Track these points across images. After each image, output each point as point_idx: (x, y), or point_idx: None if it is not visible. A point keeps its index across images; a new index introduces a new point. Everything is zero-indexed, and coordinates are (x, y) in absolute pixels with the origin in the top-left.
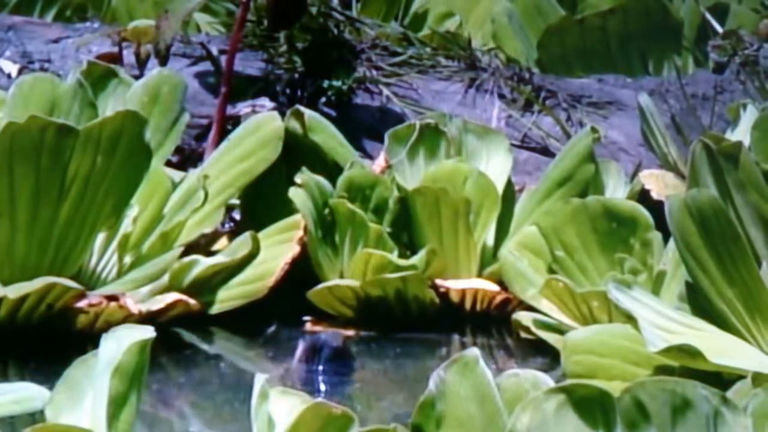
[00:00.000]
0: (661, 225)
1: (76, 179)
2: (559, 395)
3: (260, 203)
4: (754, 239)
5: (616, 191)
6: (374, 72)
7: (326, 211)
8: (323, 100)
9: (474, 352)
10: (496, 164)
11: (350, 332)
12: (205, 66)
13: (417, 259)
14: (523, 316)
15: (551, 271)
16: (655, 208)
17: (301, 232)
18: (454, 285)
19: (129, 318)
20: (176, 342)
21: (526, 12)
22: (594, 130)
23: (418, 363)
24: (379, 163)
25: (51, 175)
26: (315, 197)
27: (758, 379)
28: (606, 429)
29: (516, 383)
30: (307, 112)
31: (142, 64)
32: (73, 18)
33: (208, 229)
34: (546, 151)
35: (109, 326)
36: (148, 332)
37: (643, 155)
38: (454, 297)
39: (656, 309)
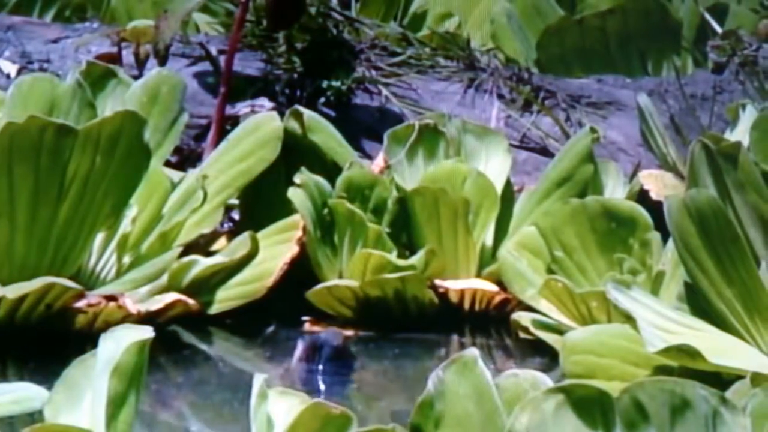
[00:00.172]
0: (660, 225)
1: (75, 179)
2: (558, 395)
3: (259, 203)
4: (753, 239)
5: (615, 191)
6: (373, 72)
7: (325, 211)
8: (322, 100)
9: (473, 352)
10: (495, 164)
11: (349, 332)
12: (204, 66)
13: (416, 259)
14: (522, 317)
15: (550, 271)
16: (654, 208)
17: (300, 233)
18: (453, 285)
19: (128, 318)
20: (175, 342)
21: (525, 12)
22: (593, 130)
23: (417, 363)
24: (378, 163)
25: (50, 175)
26: (314, 197)
27: (757, 379)
28: (605, 429)
29: (515, 383)
30: (306, 113)
31: (141, 64)
32: (72, 18)
33: (207, 229)
34: (545, 152)
35: (107, 326)
36: (147, 332)
37: (642, 155)
38: (453, 297)
39: (655, 309)
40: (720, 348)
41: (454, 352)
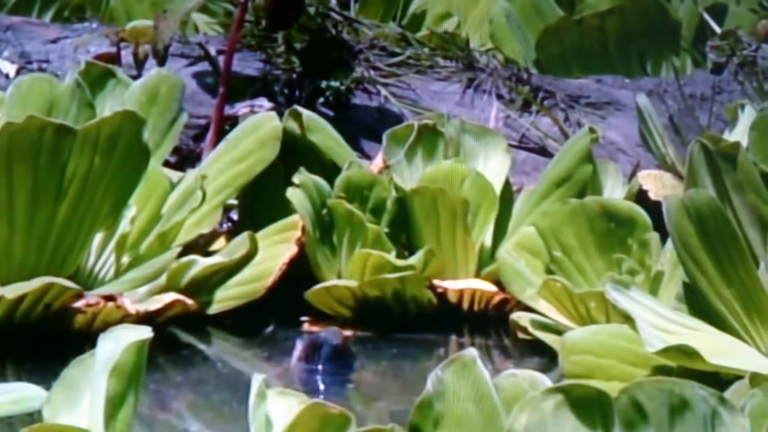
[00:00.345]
0: (659, 225)
1: (74, 179)
2: (557, 395)
3: (258, 203)
4: (751, 240)
5: (614, 192)
6: (372, 72)
7: (324, 211)
8: (321, 100)
9: (472, 352)
10: (494, 165)
11: (348, 332)
12: (203, 66)
13: (415, 259)
14: (520, 317)
15: (549, 271)
16: (653, 208)
17: (299, 233)
18: (452, 285)
19: (126, 318)
20: (174, 342)
21: (524, 12)
22: (592, 130)
23: (416, 363)
24: (377, 163)
25: (49, 175)
26: (313, 197)
27: (756, 379)
28: (604, 429)
29: (514, 383)
30: (305, 113)
31: (140, 64)
32: (71, 18)
33: (206, 230)
34: (544, 152)
35: (106, 326)
36: (146, 332)
37: (641, 156)
38: (452, 297)
39: (654, 309)
40: (719, 348)
41: (453, 352)
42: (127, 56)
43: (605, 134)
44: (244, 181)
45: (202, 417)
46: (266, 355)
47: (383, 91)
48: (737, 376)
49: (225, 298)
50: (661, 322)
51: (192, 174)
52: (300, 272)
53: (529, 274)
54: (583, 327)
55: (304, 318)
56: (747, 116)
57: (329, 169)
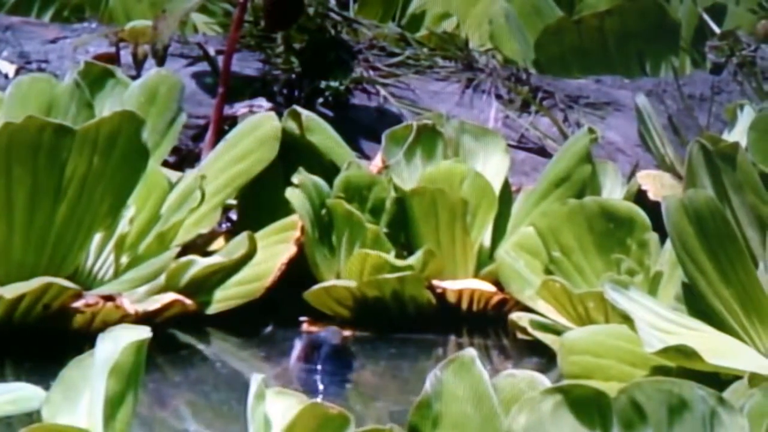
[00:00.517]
0: (658, 226)
1: (73, 179)
2: (556, 395)
3: (257, 203)
4: (750, 240)
5: (613, 192)
6: (371, 72)
7: (323, 211)
8: (320, 100)
9: (470, 352)
10: (493, 165)
11: (347, 333)
12: (203, 66)
13: (414, 259)
14: (519, 317)
15: (548, 271)
16: (652, 208)
17: (298, 233)
18: (450, 285)
19: (125, 318)
20: (173, 342)
21: (523, 12)
22: (591, 130)
23: (414, 363)
24: (376, 163)
25: (48, 175)
26: (312, 197)
27: (755, 379)
28: (603, 429)
29: (512, 383)
30: (304, 113)
31: (139, 64)
32: (70, 18)
33: (205, 230)
34: (543, 152)
35: (105, 326)
36: (145, 332)
37: (640, 156)
38: (451, 297)
39: (653, 309)
40: (718, 348)
41: (452, 352)
42: (126, 56)
43: (604, 134)
44: (243, 181)
45: (201, 417)
46: (265, 355)
47: (382, 92)
48: (736, 377)
49: (224, 298)
50: (660, 323)
51: (191, 174)
52: (299, 272)
53: (528, 274)
54: (581, 327)
55: (303, 318)
56: (746, 116)
57: (328, 169)
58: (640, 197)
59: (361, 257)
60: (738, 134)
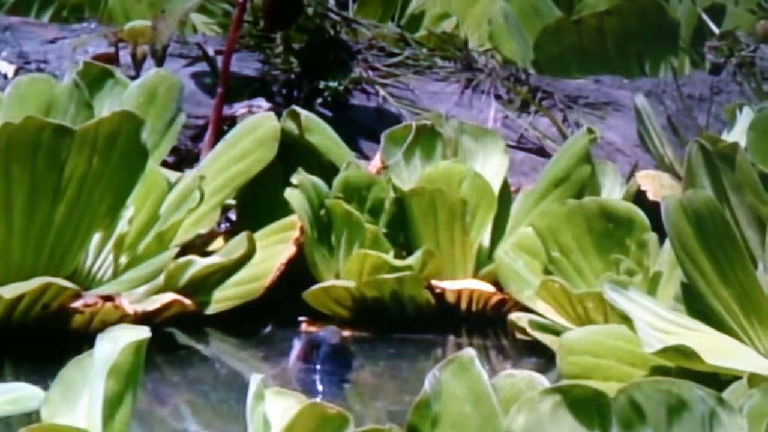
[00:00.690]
0: (657, 226)
1: (72, 180)
2: (555, 396)
3: (256, 204)
4: (750, 240)
5: (613, 192)
6: (371, 73)
7: (322, 211)
8: (319, 100)
9: (470, 352)
10: (492, 165)
11: (346, 333)
12: (202, 66)
13: (413, 259)
14: (518, 317)
15: (547, 272)
16: (652, 209)
17: (297, 233)
18: (450, 286)
19: (124, 318)
20: (172, 342)
21: (522, 13)
22: (590, 131)
23: (413, 363)
24: (376, 163)
25: (47, 175)
26: (311, 198)
27: (754, 379)
28: (602, 429)
29: (511, 384)
30: (304, 113)
31: (138, 64)
32: (69, 18)
33: (204, 230)
34: (542, 152)
35: (104, 326)
36: (144, 332)
37: (640, 156)
38: (450, 298)
39: (652, 310)
40: (717, 349)
41: (451, 352)
42: (125, 56)
43: (603, 135)
44: (243, 181)
45: (201, 417)
46: (264, 355)
47: (381, 92)
48: (735, 377)
49: (223, 298)
50: (660, 323)
51: (190, 174)
52: (298, 272)
53: (527, 274)
54: (581, 327)
55: (302, 318)
56: (745, 117)
57: (327, 170)
58: (639, 197)
59: (360, 257)
60: (738, 134)
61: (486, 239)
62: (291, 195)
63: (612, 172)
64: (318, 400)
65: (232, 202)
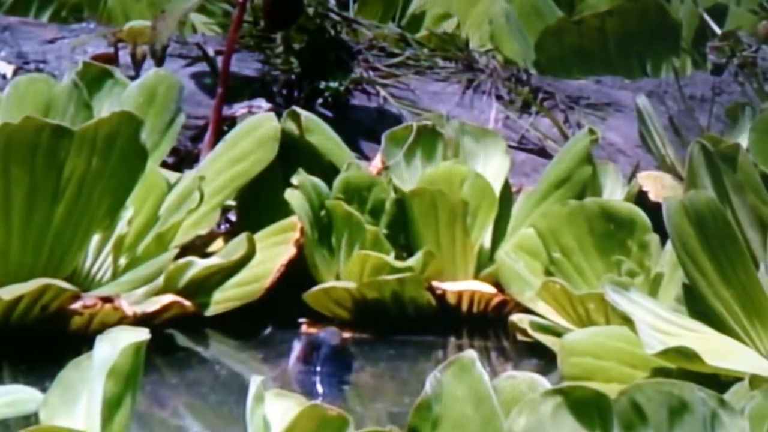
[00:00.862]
0: (658, 227)
1: (72, 180)
2: (556, 397)
3: (256, 204)
4: (751, 241)
5: (614, 193)
6: (371, 73)
7: (323, 212)
8: (320, 101)
9: (471, 354)
10: (493, 166)
11: (346, 334)
12: (202, 67)
13: (414, 260)
14: (519, 319)
15: (548, 273)
16: (653, 209)
17: (297, 234)
18: (450, 287)
19: (124, 320)
20: (171, 344)
21: (523, 13)
22: (592, 131)
23: (414, 365)
24: (376, 164)
25: (46, 176)
26: (311, 199)
27: (756, 381)
28: (603, 431)
29: (512, 385)
30: (304, 113)
31: (138, 64)
32: (68, 18)
33: (203, 231)
34: (543, 153)
35: (103, 328)
36: (143, 334)
37: (641, 157)
38: (451, 299)
39: (653, 311)
40: (718, 350)
41: (452, 354)
42: (124, 56)
43: (605, 135)
44: (243, 182)
45: (200, 419)
46: (264, 357)
47: (382, 92)
48: (737, 378)
49: (223, 299)
50: (661, 324)
51: (190, 175)
52: (298, 274)
53: (529, 275)
54: (582, 329)
55: (302, 320)
56: (747, 117)
57: (328, 170)
58: (640, 198)
59: (360, 258)
60: (739, 135)
61: (487, 240)
62: (291, 196)
63: (613, 173)
64: (318, 401)
65: (232, 203)
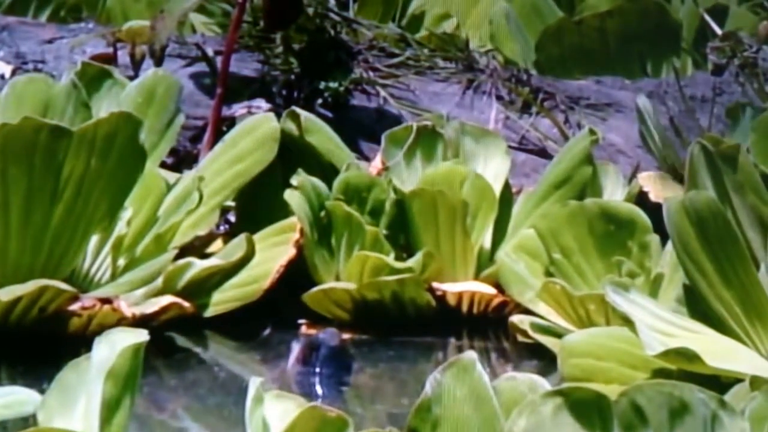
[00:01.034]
0: (659, 227)
1: (70, 181)
2: (556, 398)
3: (256, 205)
4: (751, 241)
5: (614, 193)
6: (371, 73)
7: (322, 213)
8: (319, 101)
9: (471, 355)
10: (493, 166)
11: (346, 335)
12: (201, 67)
13: (414, 261)
14: (520, 319)
15: (548, 274)
16: (653, 210)
17: (296, 235)
18: (450, 288)
19: (122, 321)
20: (170, 345)
21: (524, 13)
22: (592, 132)
23: (414, 366)
24: (376, 165)
25: (44, 176)
26: (311, 199)
27: (756, 382)
28: None
29: (513, 386)
30: (303, 114)
31: (136, 64)
32: (67, 18)
33: (202, 231)
34: (544, 153)
35: (102, 329)
36: (142, 335)
37: (642, 157)
38: (451, 300)
39: (654, 312)
40: (719, 351)
41: (452, 355)
42: (123, 57)
43: (605, 136)
44: (242, 182)
45: (199, 421)
46: (263, 358)
47: (382, 92)
48: (737, 379)
49: (222, 300)
50: (661, 325)
51: (189, 175)
52: (298, 275)
53: (529, 276)
54: (582, 330)
55: (301, 321)
56: (747, 118)
57: (327, 171)
58: (641, 199)
59: (360, 259)
60: (740, 135)
61: (487, 241)
62: (291, 196)
63: (614, 174)
64: (317, 403)
65: (232, 203)
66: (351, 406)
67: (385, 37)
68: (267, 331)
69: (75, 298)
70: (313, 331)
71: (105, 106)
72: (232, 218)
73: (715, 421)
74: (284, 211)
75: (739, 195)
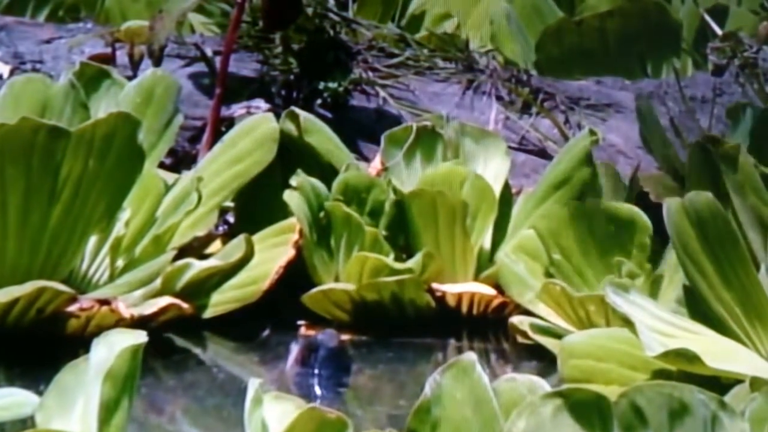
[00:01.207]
0: (659, 228)
1: (68, 181)
2: (556, 399)
3: (255, 206)
4: (752, 242)
5: (614, 194)
6: (371, 73)
7: (322, 214)
8: (319, 101)
9: (471, 356)
10: (493, 167)
11: (345, 336)
12: (200, 67)
13: (413, 262)
14: (520, 320)
15: (548, 274)
16: (653, 210)
17: (296, 236)
18: (450, 289)
19: (121, 322)
20: (169, 346)
21: (524, 13)
22: (592, 132)
23: (414, 367)
24: (375, 165)
25: (42, 177)
26: (310, 200)
27: (756, 383)
28: None
29: (512, 387)
30: (303, 114)
31: (135, 65)
32: (65, 18)
33: (201, 232)
34: (544, 154)
35: (100, 330)
36: (140, 337)
37: (642, 158)
38: (451, 301)
39: (654, 313)
40: (719, 352)
41: (452, 356)
42: (122, 57)
43: (605, 136)
44: (241, 183)
45: (197, 422)
46: (262, 359)
47: (382, 93)
48: (737, 380)
49: (221, 301)
50: (661, 326)
51: (187, 176)
52: (297, 275)
53: (529, 277)
54: (582, 331)
55: (300, 322)
56: (748, 118)
57: (327, 172)
58: (641, 199)
59: (359, 260)
60: (740, 136)
61: (487, 242)
62: (290, 197)
63: (614, 174)
64: (316, 404)
65: (230, 204)
66: (350, 407)
67: (384, 37)
68: (266, 332)
69: (73, 300)
70: (312, 332)
71: (103, 106)
72: (231, 219)
73: (715, 422)
74: (283, 211)
75: (739, 195)
